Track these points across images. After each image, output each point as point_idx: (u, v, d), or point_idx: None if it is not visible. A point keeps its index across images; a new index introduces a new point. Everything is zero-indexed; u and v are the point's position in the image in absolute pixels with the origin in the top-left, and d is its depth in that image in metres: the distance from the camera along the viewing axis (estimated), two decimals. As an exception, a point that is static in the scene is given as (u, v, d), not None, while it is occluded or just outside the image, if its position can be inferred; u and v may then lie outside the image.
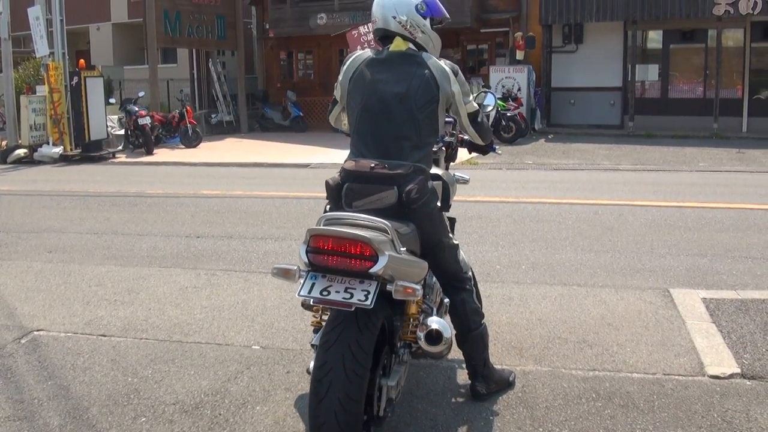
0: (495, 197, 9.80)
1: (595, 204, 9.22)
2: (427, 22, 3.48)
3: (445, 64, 3.44)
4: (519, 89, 18.96)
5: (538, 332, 4.68)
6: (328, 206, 3.47)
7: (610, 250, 6.82)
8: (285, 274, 2.94)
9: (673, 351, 4.34)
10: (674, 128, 18.48)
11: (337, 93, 3.60)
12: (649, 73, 20.08)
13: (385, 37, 3.51)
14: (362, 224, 2.96)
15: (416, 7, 3.44)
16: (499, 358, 4.20)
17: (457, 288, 3.58)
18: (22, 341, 4.66)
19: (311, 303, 3.00)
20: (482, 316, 3.66)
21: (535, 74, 19.90)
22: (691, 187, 10.83)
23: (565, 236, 7.41)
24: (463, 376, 3.87)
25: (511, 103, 17.80)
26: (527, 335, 4.63)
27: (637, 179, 11.83)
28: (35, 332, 4.82)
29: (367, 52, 3.50)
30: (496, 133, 17.29)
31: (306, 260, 2.90)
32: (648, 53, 20.64)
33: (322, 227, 2.95)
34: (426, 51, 3.49)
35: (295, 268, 2.93)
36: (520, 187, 11.01)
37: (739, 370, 4.02)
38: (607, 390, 3.82)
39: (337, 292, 2.83)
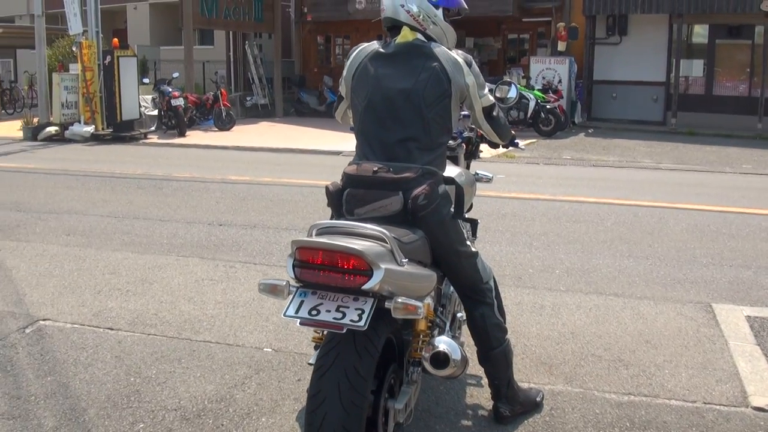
0: (530, 194, 9.45)
1: (636, 205, 8.82)
2: (440, 12, 3.13)
3: (457, 54, 3.10)
4: (560, 81, 18.50)
5: (570, 347, 4.35)
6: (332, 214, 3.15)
7: (650, 256, 6.45)
8: (272, 290, 2.60)
9: (714, 376, 3.99)
10: (717, 126, 17.86)
11: (342, 89, 3.28)
12: (694, 68, 19.46)
13: (393, 27, 3.16)
14: (356, 233, 2.64)
15: None
16: (526, 374, 3.90)
17: (476, 300, 3.25)
18: (27, 331, 4.46)
19: (299, 324, 2.58)
20: (505, 331, 3.34)
21: (577, 66, 19.40)
22: (735, 190, 10.36)
23: (602, 239, 7.06)
24: (486, 394, 3.55)
25: (551, 95, 17.35)
26: (558, 350, 4.31)
27: (678, 180, 11.38)
28: (41, 322, 4.62)
29: (373, 45, 3.16)
30: (534, 126, 16.90)
31: (293, 275, 2.58)
32: (693, 48, 20.00)
33: (307, 239, 2.59)
34: (435, 41, 3.13)
35: (284, 283, 2.59)
36: (557, 183, 10.62)
37: (787, 402, 3.68)
38: (643, 419, 3.50)
39: (328, 311, 2.50)
